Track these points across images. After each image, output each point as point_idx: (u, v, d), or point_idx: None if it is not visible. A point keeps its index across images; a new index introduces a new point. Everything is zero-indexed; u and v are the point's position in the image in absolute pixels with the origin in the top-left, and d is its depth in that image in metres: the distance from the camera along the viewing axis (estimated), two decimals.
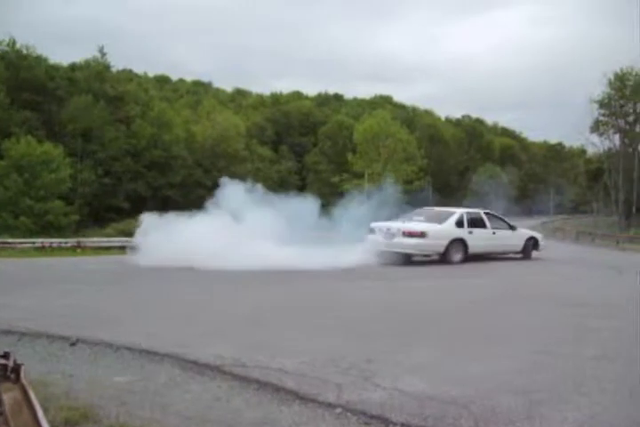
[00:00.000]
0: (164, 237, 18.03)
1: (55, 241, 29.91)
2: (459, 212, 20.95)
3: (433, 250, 19.77)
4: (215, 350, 7.38)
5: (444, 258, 19.59)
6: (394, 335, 8.67)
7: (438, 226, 19.80)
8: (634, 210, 62.16)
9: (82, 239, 30.69)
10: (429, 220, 20.24)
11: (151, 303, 11.49)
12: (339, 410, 5.44)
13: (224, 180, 21.28)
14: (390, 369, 6.67)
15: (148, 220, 20.04)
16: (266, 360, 6.92)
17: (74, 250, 27.57)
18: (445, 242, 19.50)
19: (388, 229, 19.80)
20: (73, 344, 7.79)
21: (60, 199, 51.18)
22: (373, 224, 20.52)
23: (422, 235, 19.18)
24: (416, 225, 19.73)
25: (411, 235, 19.20)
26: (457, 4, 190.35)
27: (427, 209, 22.48)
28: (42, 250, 27.34)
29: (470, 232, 20.09)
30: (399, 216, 21.55)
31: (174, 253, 16.92)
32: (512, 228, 21.68)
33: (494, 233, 20.81)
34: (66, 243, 29.33)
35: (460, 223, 20.10)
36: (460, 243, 19.79)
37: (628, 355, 7.57)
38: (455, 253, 19.65)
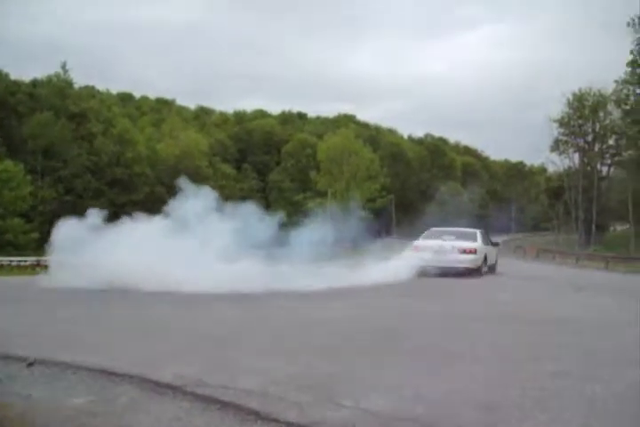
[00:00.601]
0: (86, 252, 16.28)
1: (14, 260, 29.47)
2: (478, 231, 24.16)
3: (477, 264, 22.36)
4: (176, 369, 7.28)
5: (477, 271, 22.15)
6: (359, 352, 8.62)
7: (477, 244, 22.70)
8: (593, 228, 62.98)
9: (42, 258, 30.26)
10: (460, 238, 22.92)
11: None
12: None
13: (182, 180, 20.65)
14: (353, 388, 6.62)
15: (65, 230, 17.46)
16: (228, 380, 6.84)
17: (33, 268, 27.16)
18: (482, 256, 22.55)
19: (441, 247, 22.05)
20: (31, 364, 7.63)
21: (19, 217, 50.52)
22: (417, 243, 23.03)
23: (475, 251, 22.14)
24: (467, 244, 22.40)
25: (466, 252, 21.96)
26: (420, 26, 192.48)
27: (442, 229, 25.01)
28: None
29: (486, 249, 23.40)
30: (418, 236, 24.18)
31: (95, 270, 15.51)
32: (495, 244, 25.43)
33: (492, 249, 24.68)
34: (25, 261, 28.90)
35: (483, 241, 23.33)
36: (484, 257, 22.86)
37: (585, 371, 7.62)
38: (483, 267, 22.75)
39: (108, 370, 7.30)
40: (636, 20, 41.57)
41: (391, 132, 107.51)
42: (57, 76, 65.61)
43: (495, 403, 6.13)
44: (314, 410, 5.85)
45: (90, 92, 76.37)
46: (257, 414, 5.77)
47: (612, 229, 76.23)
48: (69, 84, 66.21)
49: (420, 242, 22.92)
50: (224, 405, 6.07)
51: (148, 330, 10.49)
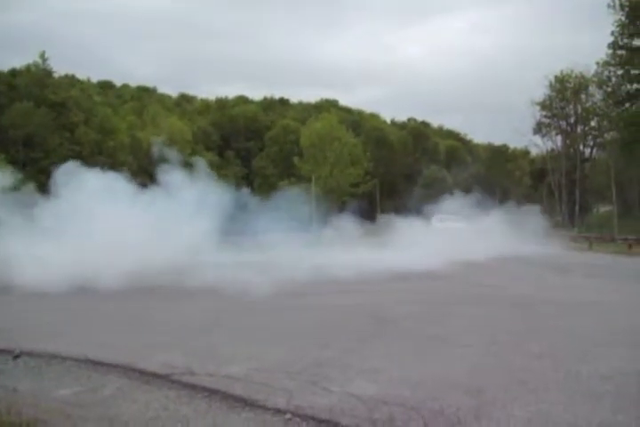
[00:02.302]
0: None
1: None
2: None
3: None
4: (163, 358, 7.27)
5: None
6: (348, 340, 8.63)
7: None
8: (577, 209, 63.30)
9: None
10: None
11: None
12: (288, 415, 5.41)
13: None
14: (340, 373, 6.64)
15: None
16: (215, 368, 6.84)
17: None
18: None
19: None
20: (17, 357, 7.60)
21: None
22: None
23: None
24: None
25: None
26: (401, 10, 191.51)
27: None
28: None
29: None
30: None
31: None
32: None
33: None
34: None
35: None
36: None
37: (570, 352, 7.66)
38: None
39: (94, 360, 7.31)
40: (617, 2, 41.53)
41: (374, 116, 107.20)
42: (36, 65, 64.94)
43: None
44: None
45: (70, 81, 75.56)
46: None
47: (595, 210, 76.68)
48: (49, 73, 65.51)
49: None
50: (211, 392, 6.07)
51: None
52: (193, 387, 6.26)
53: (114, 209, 16.59)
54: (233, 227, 19.09)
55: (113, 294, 13.43)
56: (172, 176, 19.27)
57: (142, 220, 16.78)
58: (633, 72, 42.26)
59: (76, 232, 15.79)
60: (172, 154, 21.20)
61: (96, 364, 7.23)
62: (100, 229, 16.00)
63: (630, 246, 31.94)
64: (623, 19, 41.33)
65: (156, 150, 22.21)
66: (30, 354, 7.70)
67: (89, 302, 12.91)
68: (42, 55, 64.38)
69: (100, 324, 10.14)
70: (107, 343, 8.28)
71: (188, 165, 20.38)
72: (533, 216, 30.29)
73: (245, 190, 26.92)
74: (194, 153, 75.19)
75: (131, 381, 6.60)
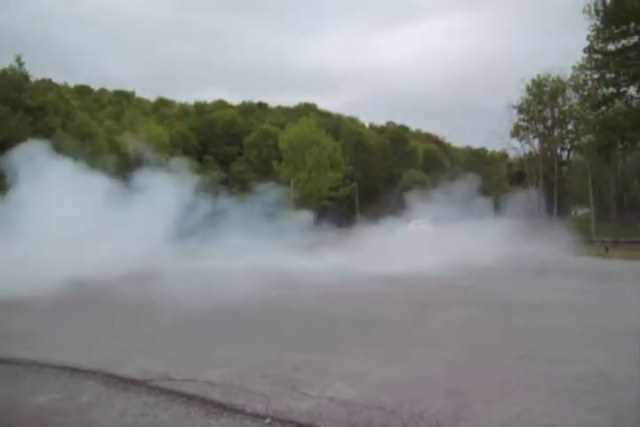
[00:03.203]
0: None
1: None
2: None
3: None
4: (141, 364, 7.24)
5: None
6: (325, 343, 8.62)
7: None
8: (554, 212, 63.66)
9: None
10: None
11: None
12: (267, 420, 5.41)
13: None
14: (319, 378, 6.63)
15: None
16: (193, 373, 6.81)
17: None
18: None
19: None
20: None
21: None
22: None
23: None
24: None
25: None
26: (378, 16, 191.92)
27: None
28: None
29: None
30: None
31: None
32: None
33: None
34: None
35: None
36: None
37: (547, 354, 7.70)
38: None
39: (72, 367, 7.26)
40: (592, 7, 41.86)
41: (353, 120, 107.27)
42: (12, 69, 64.42)
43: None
44: None
45: (47, 85, 75.07)
46: None
47: (573, 212, 77.14)
48: (25, 77, 65.05)
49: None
50: (189, 398, 6.05)
51: None
52: (171, 393, 6.23)
53: (71, 207, 16.24)
54: (208, 232, 18.95)
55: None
56: (146, 180, 19.10)
57: (99, 222, 16.52)
58: (608, 76, 42.54)
59: (23, 230, 15.47)
60: (150, 158, 21.06)
61: (73, 370, 7.17)
62: (49, 226, 15.62)
63: (607, 249, 32.12)
64: (598, 23, 41.63)
65: (133, 154, 22.05)
66: (6, 361, 7.64)
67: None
68: (18, 59, 63.82)
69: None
70: (84, 349, 8.23)
71: (165, 169, 20.25)
72: (510, 219, 30.41)
73: (224, 195, 26.79)
74: (172, 157, 75.11)
75: (108, 387, 6.56)
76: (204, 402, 5.92)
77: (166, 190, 18.79)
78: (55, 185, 16.71)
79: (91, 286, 14.59)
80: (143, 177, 19.65)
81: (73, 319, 11.19)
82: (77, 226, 15.98)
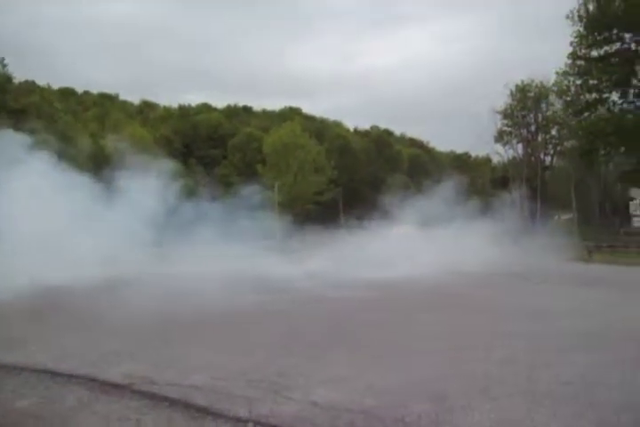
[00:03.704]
0: None
1: None
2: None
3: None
4: (124, 368, 7.19)
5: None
6: (309, 347, 8.61)
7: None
8: (537, 216, 63.92)
9: None
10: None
11: None
12: (250, 425, 5.40)
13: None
14: (302, 382, 6.62)
15: None
16: (176, 377, 6.79)
17: None
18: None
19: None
20: None
21: None
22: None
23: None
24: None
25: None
26: (364, 22, 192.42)
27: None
28: None
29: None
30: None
31: None
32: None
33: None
34: None
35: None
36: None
37: (530, 359, 7.72)
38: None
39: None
40: (575, 13, 42.17)
41: (337, 124, 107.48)
42: None
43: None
44: None
45: (30, 87, 74.70)
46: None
47: (556, 217, 77.50)
48: (8, 78, 64.66)
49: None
50: (172, 402, 6.02)
51: None
52: (154, 397, 6.20)
53: (43, 206, 15.93)
54: (188, 236, 18.83)
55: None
56: (127, 182, 18.94)
57: (74, 223, 16.27)
58: (591, 82, 42.83)
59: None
60: (133, 160, 20.89)
61: (55, 374, 7.12)
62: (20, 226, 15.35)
63: (590, 253, 32.28)
64: (581, 30, 41.94)
65: (116, 156, 21.83)
66: None
67: None
68: (1, 61, 63.46)
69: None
70: (65, 353, 8.18)
71: (148, 172, 20.12)
72: (494, 223, 30.47)
73: (207, 198, 26.69)
74: (155, 160, 74.89)
75: (90, 392, 6.51)
76: (187, 406, 5.90)
77: (148, 193, 18.65)
78: (30, 182, 16.40)
79: (63, 290, 14.38)
80: (125, 179, 19.51)
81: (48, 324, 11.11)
82: (50, 226, 15.70)
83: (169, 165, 22.54)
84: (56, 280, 14.63)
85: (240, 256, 20.00)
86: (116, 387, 6.57)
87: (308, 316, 11.83)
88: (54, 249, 15.46)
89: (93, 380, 6.84)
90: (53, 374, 7.14)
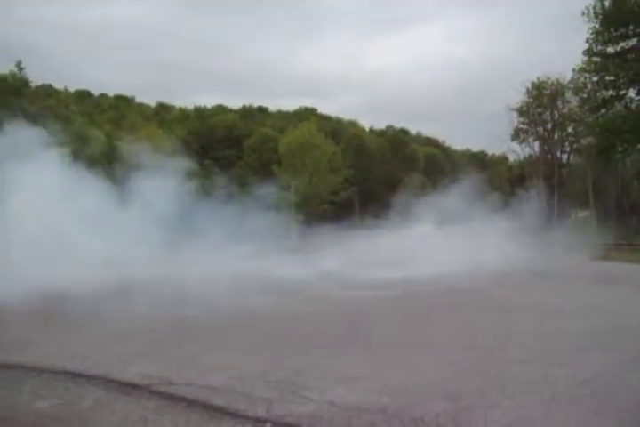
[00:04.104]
0: None
1: None
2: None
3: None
4: (141, 368, 7.21)
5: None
6: (325, 347, 8.60)
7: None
8: (555, 214, 63.62)
9: None
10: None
11: None
12: (268, 425, 5.41)
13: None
14: (320, 381, 6.61)
15: None
16: (193, 377, 6.80)
17: None
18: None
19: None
20: None
21: None
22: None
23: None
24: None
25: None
26: (378, 20, 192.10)
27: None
28: None
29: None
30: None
31: None
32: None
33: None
34: None
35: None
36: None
37: (547, 357, 7.67)
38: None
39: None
40: (591, 10, 41.93)
41: (353, 124, 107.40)
42: (12, 75, 64.40)
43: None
44: None
45: (47, 90, 75.10)
46: None
47: (573, 215, 77.10)
48: (25, 82, 65.04)
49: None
50: (190, 402, 6.02)
51: None
52: (172, 397, 6.21)
53: (55, 205, 15.75)
54: (204, 237, 18.78)
55: None
56: (143, 184, 18.92)
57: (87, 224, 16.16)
58: (607, 78, 42.55)
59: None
60: (149, 162, 20.87)
61: (74, 375, 7.15)
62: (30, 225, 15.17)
63: (609, 251, 32.07)
64: (597, 26, 41.68)
65: (132, 158, 21.81)
66: (6, 366, 7.62)
67: None
68: (18, 64, 63.82)
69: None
70: (83, 355, 8.20)
71: (164, 173, 20.11)
72: (511, 222, 30.34)
73: (223, 199, 26.72)
74: (171, 161, 75.06)
75: (109, 392, 6.53)
76: (205, 407, 5.91)
77: (163, 194, 18.62)
78: (41, 181, 16.29)
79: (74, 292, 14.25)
80: (139, 180, 19.52)
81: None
82: (60, 227, 15.60)
83: (185, 165, 22.34)
84: (66, 282, 14.55)
85: (254, 257, 20.00)
86: (134, 387, 6.59)
87: (325, 315, 11.82)
88: (63, 250, 15.34)
89: (111, 381, 6.85)
90: (73, 375, 7.16)
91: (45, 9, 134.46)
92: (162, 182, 19.24)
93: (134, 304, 12.80)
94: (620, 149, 44.60)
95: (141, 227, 17.04)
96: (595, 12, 41.87)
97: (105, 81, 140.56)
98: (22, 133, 17.54)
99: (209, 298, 13.45)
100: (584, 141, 61.14)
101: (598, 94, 44.65)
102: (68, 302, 12.91)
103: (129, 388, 6.60)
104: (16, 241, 14.99)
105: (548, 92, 65.62)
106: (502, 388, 6.29)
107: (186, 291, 14.35)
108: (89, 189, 17.65)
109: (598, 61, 43.05)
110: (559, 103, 65.83)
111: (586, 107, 48.72)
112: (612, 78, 42.53)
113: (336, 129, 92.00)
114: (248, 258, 19.58)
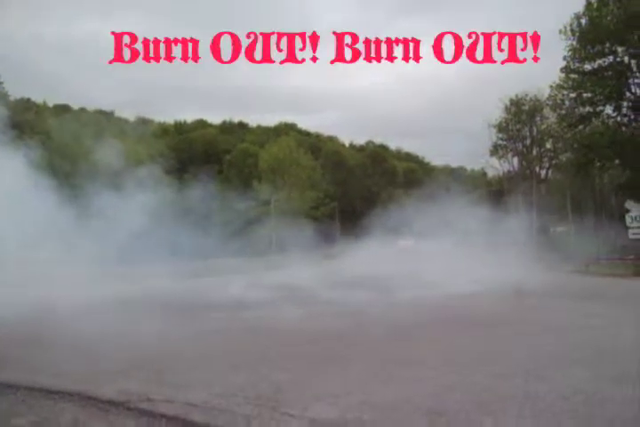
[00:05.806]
0: None
1: None
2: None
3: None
4: (120, 385, 7.13)
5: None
6: (306, 362, 8.54)
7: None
8: (533, 229, 63.97)
9: None
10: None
11: None
12: None
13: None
14: (300, 398, 6.55)
15: None
16: (172, 394, 6.71)
17: None
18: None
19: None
20: None
21: None
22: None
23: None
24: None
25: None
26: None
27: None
28: None
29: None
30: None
31: None
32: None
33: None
34: None
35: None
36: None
37: (525, 372, 7.66)
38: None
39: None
40: (568, 27, 42.44)
41: (332, 139, 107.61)
42: None
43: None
44: None
45: (26, 104, 74.76)
46: None
47: (552, 230, 77.51)
48: (4, 95, 64.67)
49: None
50: (170, 419, 5.95)
51: None
52: (151, 414, 6.13)
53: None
54: (187, 252, 18.66)
55: None
56: (120, 198, 18.69)
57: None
58: (585, 95, 43.03)
59: None
60: (127, 176, 20.68)
61: (51, 392, 7.05)
62: None
63: (587, 265, 32.28)
64: (574, 44, 42.18)
65: (111, 172, 21.64)
66: None
67: None
68: None
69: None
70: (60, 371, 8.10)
71: (143, 187, 19.96)
72: (491, 237, 30.42)
73: (202, 214, 26.61)
74: (150, 175, 74.78)
75: (86, 409, 6.44)
76: (185, 423, 5.83)
77: (137, 209, 18.38)
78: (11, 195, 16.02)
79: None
80: (113, 195, 19.28)
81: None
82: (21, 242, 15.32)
83: (164, 180, 22.22)
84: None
85: (236, 271, 19.92)
86: (112, 404, 6.50)
87: (305, 331, 11.76)
88: (16, 268, 14.96)
89: (89, 398, 6.75)
90: (49, 391, 7.06)
91: (26, 23, 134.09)
92: (132, 196, 18.99)
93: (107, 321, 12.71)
94: (597, 164, 45.05)
95: (90, 243, 16.59)
96: (572, 30, 42.42)
97: (84, 95, 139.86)
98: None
99: (190, 311, 13.29)
100: (562, 157, 61.66)
101: (576, 111, 45.09)
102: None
103: (107, 405, 6.51)
104: None
105: (527, 108, 66.16)
106: (483, 404, 6.26)
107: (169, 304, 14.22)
108: (60, 205, 17.30)
109: (576, 78, 43.52)
110: (537, 119, 66.40)
111: (564, 123, 49.05)
112: (589, 95, 43.00)
113: (316, 144, 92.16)
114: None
